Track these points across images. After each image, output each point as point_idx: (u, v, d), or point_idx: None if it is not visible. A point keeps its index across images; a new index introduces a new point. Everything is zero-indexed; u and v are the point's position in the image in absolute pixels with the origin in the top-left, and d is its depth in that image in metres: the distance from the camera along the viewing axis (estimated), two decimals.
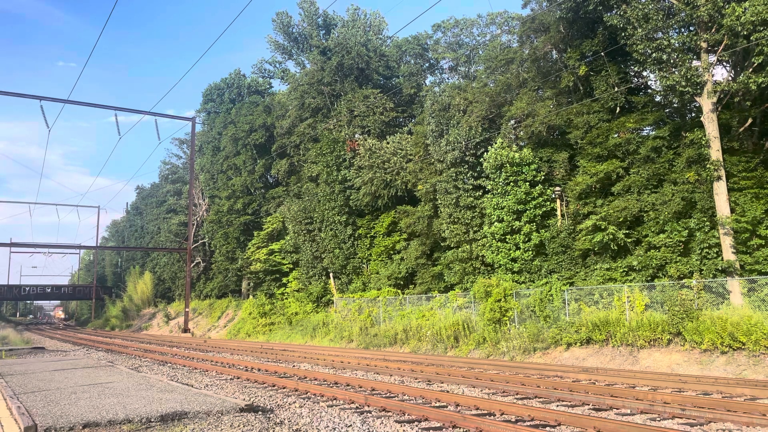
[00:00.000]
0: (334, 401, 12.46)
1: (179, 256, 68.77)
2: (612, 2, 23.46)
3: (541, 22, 29.43)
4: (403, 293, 34.14)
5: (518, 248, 27.24)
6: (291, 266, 47.39)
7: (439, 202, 31.27)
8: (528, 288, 25.69)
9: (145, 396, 11.47)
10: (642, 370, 17.96)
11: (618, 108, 26.53)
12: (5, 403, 10.87)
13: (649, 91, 27.08)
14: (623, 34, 22.72)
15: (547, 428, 9.45)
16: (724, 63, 23.17)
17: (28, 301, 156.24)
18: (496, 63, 32.49)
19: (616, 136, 25.53)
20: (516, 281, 26.58)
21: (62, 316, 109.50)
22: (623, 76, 26.42)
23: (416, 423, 9.96)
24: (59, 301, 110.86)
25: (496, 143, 28.91)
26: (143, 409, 9.79)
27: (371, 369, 18.84)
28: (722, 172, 21.05)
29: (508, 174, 27.81)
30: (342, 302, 36.74)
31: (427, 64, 47.50)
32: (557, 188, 27.50)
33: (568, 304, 23.18)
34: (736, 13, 19.29)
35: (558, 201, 27.74)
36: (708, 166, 21.07)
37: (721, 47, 21.00)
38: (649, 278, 22.49)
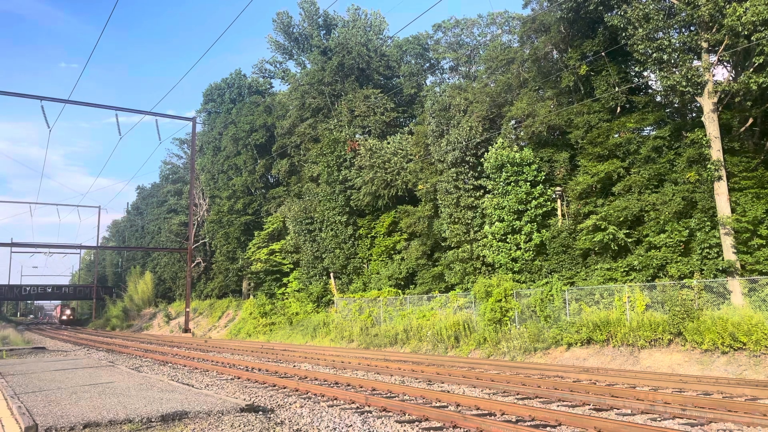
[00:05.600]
0: (335, 401, 12.46)
1: (180, 256, 68.79)
2: (612, 2, 23.45)
3: (542, 22, 29.42)
4: (403, 293, 34.13)
5: (519, 248, 27.23)
6: (291, 266, 47.39)
7: (440, 202, 31.26)
8: (529, 288, 25.68)
9: (145, 396, 11.47)
10: (643, 370, 17.96)
11: (618, 108, 26.52)
12: (6, 403, 10.87)
13: (650, 91, 27.07)
14: (624, 34, 22.70)
15: (548, 428, 9.45)
16: (725, 63, 23.15)
17: (29, 301, 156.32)
18: (496, 63, 32.48)
19: (616, 135, 25.52)
20: (517, 281, 26.56)
21: (70, 316, 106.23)
22: (624, 76, 26.40)
23: (417, 423, 9.96)
24: (62, 301, 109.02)
25: (496, 143, 28.91)
26: (144, 409, 9.79)
27: (372, 369, 18.84)
28: (723, 172, 21.04)
29: (508, 174, 27.80)
30: (342, 302, 36.74)
31: (427, 64, 47.48)
32: (558, 188, 27.49)
33: (569, 304, 23.17)
34: (737, 13, 19.27)
35: (558, 201, 27.74)
36: (709, 166, 21.05)
37: (722, 47, 20.99)
38: (649, 278, 22.48)
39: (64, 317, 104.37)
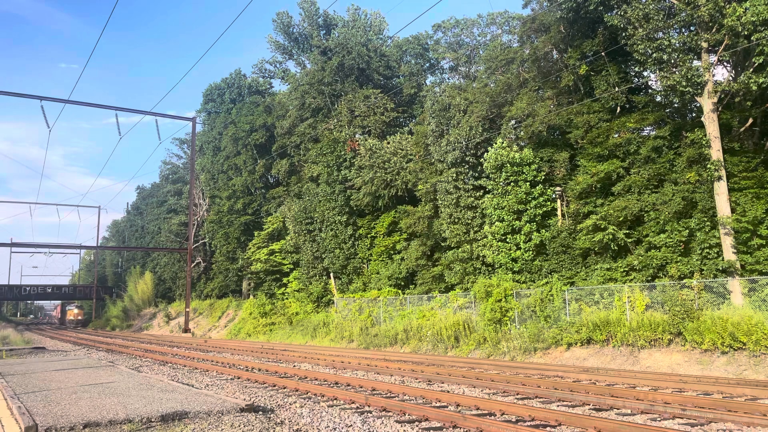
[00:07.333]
0: (335, 401, 12.46)
1: (180, 256, 68.77)
2: (612, 2, 23.46)
3: (542, 22, 29.43)
4: (403, 293, 34.13)
5: (519, 248, 27.24)
6: (291, 266, 47.39)
7: (440, 202, 31.26)
8: (528, 288, 25.68)
9: (145, 396, 11.47)
10: (642, 370, 17.96)
11: (618, 108, 26.52)
12: (6, 403, 10.87)
13: (650, 91, 27.07)
14: (624, 34, 22.71)
15: (548, 428, 9.45)
16: (725, 63, 23.16)
17: (29, 301, 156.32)
18: (496, 63, 32.48)
19: (616, 135, 25.52)
20: (516, 281, 26.57)
21: (78, 316, 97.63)
22: (624, 75, 26.41)
23: (417, 423, 9.96)
24: (67, 300, 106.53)
25: (496, 143, 28.90)
26: (144, 409, 9.79)
27: (372, 369, 18.84)
28: (723, 172, 21.03)
29: (508, 174, 27.80)
30: (342, 302, 36.74)
31: (427, 64, 47.53)
32: (558, 188, 27.49)
33: (569, 304, 23.17)
34: (737, 13, 19.28)
35: (558, 201, 27.74)
36: (708, 166, 21.05)
37: (722, 47, 20.99)
38: (649, 278, 22.48)
39: (71, 317, 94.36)
